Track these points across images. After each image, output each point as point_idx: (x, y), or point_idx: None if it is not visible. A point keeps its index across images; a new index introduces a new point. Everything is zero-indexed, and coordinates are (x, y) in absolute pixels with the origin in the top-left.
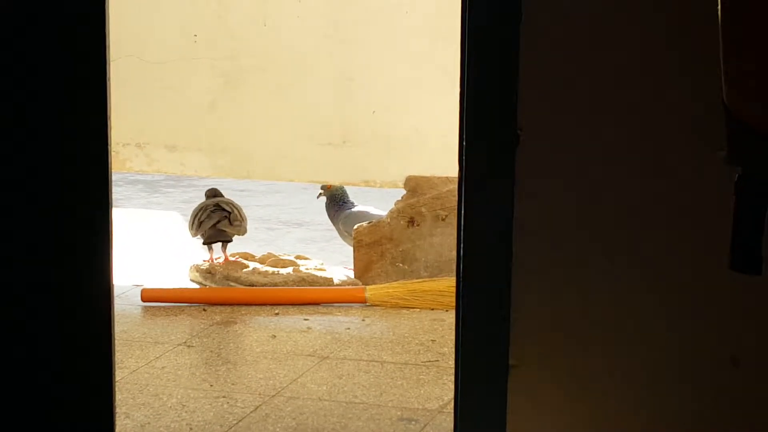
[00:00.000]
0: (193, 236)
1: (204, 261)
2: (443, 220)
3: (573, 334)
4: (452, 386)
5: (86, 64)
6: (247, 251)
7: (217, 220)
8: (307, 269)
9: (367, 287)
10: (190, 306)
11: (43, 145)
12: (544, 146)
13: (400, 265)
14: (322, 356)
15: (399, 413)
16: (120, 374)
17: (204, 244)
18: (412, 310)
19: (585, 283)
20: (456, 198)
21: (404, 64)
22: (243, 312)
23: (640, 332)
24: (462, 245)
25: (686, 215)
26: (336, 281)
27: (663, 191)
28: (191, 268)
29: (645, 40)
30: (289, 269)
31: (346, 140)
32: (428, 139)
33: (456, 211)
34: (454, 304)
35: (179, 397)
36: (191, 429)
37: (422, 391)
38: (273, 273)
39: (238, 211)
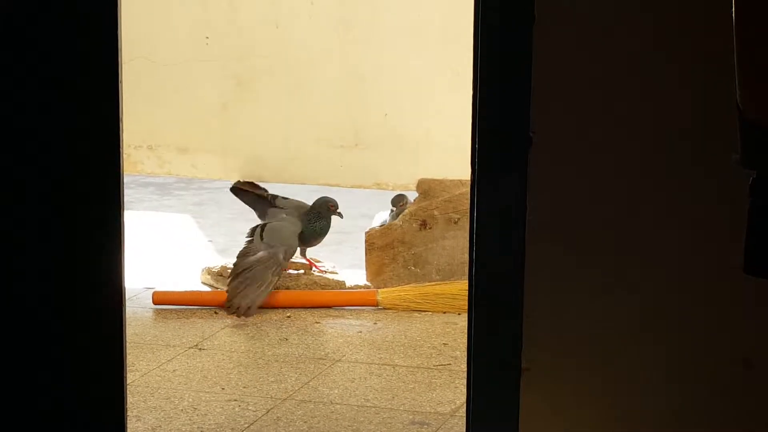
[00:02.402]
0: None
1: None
2: (456, 223)
3: (586, 337)
4: (464, 390)
5: (98, 66)
6: None
7: None
8: (318, 272)
9: (379, 290)
10: (202, 309)
11: (54, 147)
12: (557, 148)
13: (412, 268)
14: (333, 359)
15: (411, 417)
16: (131, 377)
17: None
18: (424, 313)
19: (598, 285)
20: (468, 201)
21: (416, 65)
22: (254, 315)
23: (652, 335)
24: (474, 248)
25: (700, 217)
26: (348, 284)
27: (676, 193)
28: (203, 270)
29: (658, 41)
30: (301, 272)
31: (358, 142)
32: (440, 141)
33: (468, 214)
34: (466, 307)
35: (190, 400)
36: None
37: (434, 395)
38: (284, 276)
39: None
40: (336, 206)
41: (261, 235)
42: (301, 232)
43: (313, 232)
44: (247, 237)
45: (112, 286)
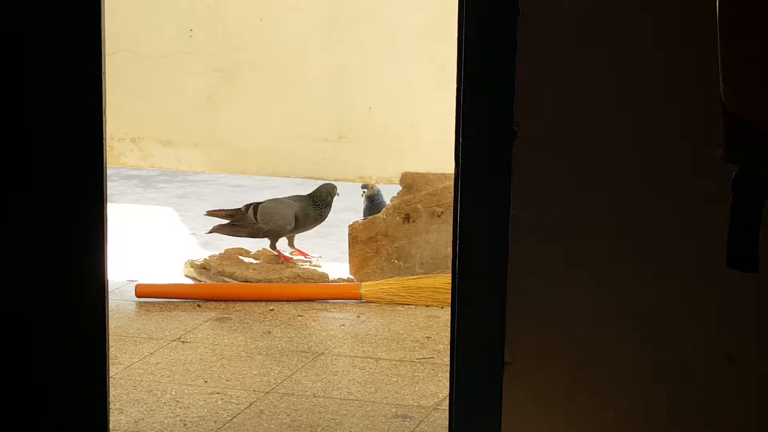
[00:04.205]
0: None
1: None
2: (439, 216)
3: (569, 331)
4: (447, 383)
5: (81, 59)
6: (242, 247)
7: None
8: (302, 265)
9: (362, 284)
10: (185, 302)
11: (37, 139)
12: (540, 142)
13: (396, 261)
14: (316, 353)
15: (394, 410)
16: (114, 370)
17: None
18: (407, 306)
19: (581, 279)
20: (452, 194)
21: (401, 59)
22: (237, 308)
23: (635, 329)
24: (458, 242)
25: (684, 212)
26: (331, 278)
27: (660, 188)
28: (186, 263)
29: (643, 35)
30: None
31: (342, 136)
32: (424, 135)
33: (452, 208)
34: (449, 300)
35: (173, 392)
36: (185, 425)
37: (417, 388)
38: (268, 269)
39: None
40: (336, 189)
41: (255, 215)
42: (305, 216)
43: (319, 217)
44: (236, 209)
45: (95, 279)
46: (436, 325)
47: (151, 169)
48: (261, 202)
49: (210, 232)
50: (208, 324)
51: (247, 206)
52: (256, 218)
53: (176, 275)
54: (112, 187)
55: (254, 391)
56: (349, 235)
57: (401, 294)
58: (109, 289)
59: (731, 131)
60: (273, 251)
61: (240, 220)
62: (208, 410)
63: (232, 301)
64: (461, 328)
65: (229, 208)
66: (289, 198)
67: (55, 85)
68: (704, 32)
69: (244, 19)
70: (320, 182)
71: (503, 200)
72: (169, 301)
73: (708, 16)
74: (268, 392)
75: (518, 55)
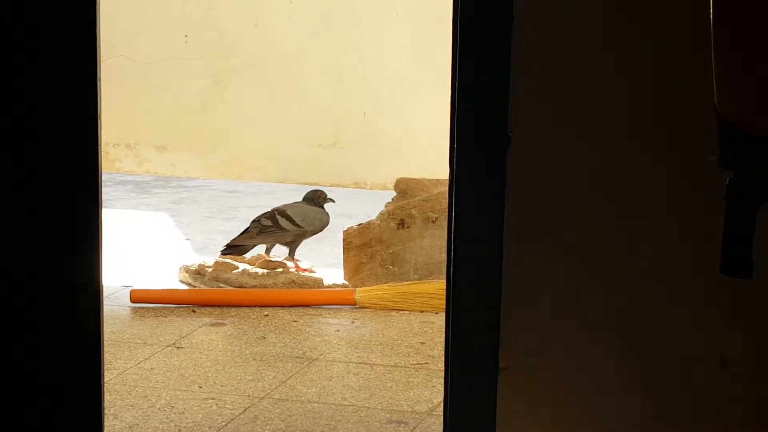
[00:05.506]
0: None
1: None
2: (433, 222)
3: (563, 337)
4: (441, 389)
5: (76, 65)
6: None
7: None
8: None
9: (357, 289)
10: (180, 307)
11: (32, 145)
12: (535, 147)
13: (390, 267)
14: (311, 358)
15: (388, 416)
16: (108, 375)
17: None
18: (401, 312)
19: (576, 285)
20: (446, 200)
21: (395, 65)
22: (232, 313)
23: (630, 335)
24: (452, 247)
25: (678, 218)
26: (326, 283)
27: (655, 193)
28: (180, 269)
29: (638, 41)
30: (279, 271)
31: (337, 141)
32: (419, 140)
33: (446, 213)
34: (443, 306)
35: (168, 398)
36: (180, 430)
37: (411, 394)
38: (263, 275)
39: (288, 220)
40: (325, 194)
41: (291, 220)
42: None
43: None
44: (261, 223)
45: (90, 284)
46: (431, 331)
47: (146, 174)
48: (281, 209)
49: (228, 251)
50: (203, 329)
51: (268, 216)
52: (293, 223)
53: (171, 281)
54: (107, 192)
55: (249, 396)
56: (344, 240)
57: (396, 299)
58: (104, 295)
59: (726, 137)
60: (290, 260)
61: (272, 231)
62: (202, 416)
63: (226, 306)
64: (456, 333)
65: (241, 233)
66: (296, 203)
67: (50, 91)
68: (703, 38)
69: (239, 24)
70: (313, 187)
71: (498, 206)
72: (164, 307)
73: (705, 23)
74: (262, 398)
75: (513, 61)
